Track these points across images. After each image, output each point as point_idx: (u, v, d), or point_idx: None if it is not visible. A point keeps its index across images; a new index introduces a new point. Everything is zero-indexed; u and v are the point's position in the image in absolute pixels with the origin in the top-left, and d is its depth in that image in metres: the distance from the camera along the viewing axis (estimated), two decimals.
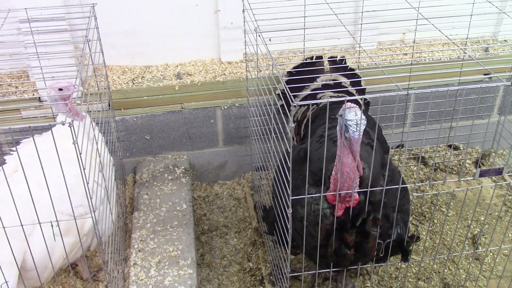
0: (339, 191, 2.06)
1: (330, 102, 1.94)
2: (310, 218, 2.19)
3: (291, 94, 1.99)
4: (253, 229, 3.12)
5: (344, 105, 1.91)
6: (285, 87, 1.96)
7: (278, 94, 2.96)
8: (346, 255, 2.21)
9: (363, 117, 1.90)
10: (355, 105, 1.92)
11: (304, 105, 2.94)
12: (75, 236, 2.29)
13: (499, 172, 2.07)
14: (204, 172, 3.44)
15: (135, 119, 3.13)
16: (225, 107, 3.19)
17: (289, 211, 2.05)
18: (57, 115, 2.94)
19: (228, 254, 3.00)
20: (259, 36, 2.39)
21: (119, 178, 3.12)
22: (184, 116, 3.17)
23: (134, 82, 3.11)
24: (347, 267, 2.36)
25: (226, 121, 3.24)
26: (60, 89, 2.38)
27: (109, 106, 3.04)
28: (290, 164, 1.94)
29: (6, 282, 2.00)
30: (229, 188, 3.48)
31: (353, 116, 1.88)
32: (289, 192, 2.01)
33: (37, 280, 2.25)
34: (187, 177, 3.18)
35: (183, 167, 3.24)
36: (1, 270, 1.99)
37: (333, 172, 2.07)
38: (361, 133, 1.92)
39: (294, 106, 1.83)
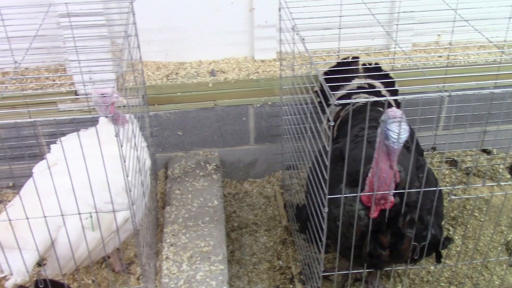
0: (375, 193, 2.04)
1: (366, 103, 1.94)
2: (344, 219, 2.19)
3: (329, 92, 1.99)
4: (283, 228, 3.12)
5: (386, 111, 1.89)
6: (324, 85, 1.96)
7: (316, 91, 2.95)
8: (381, 256, 2.20)
9: (407, 128, 1.88)
10: (399, 114, 1.89)
11: (338, 106, 2.93)
12: (104, 230, 2.32)
13: None
14: (234, 169, 3.46)
15: (168, 115, 3.16)
16: (258, 105, 3.20)
17: (325, 210, 2.04)
18: (93, 109, 3.00)
19: (258, 252, 3.00)
20: (296, 34, 2.39)
21: (152, 173, 3.15)
22: (216, 113, 3.19)
23: (169, 78, 3.14)
24: (381, 268, 2.35)
25: (258, 119, 3.25)
26: (103, 95, 2.36)
27: (144, 101, 3.08)
28: (328, 163, 1.94)
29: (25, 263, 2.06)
30: (259, 186, 3.49)
31: (396, 128, 1.84)
32: (326, 191, 2.01)
33: (64, 268, 2.30)
34: (218, 174, 3.19)
35: (214, 164, 3.26)
36: (21, 254, 2.04)
37: (369, 175, 2.06)
38: (402, 145, 1.90)
39: (335, 105, 1.82)
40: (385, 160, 1.96)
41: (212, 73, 3.16)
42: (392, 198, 2.08)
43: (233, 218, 3.23)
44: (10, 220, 1.92)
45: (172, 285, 2.50)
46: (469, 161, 3.53)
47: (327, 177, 1.99)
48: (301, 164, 3.24)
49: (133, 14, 2.60)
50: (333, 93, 2.89)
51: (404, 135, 1.87)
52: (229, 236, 3.09)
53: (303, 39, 2.34)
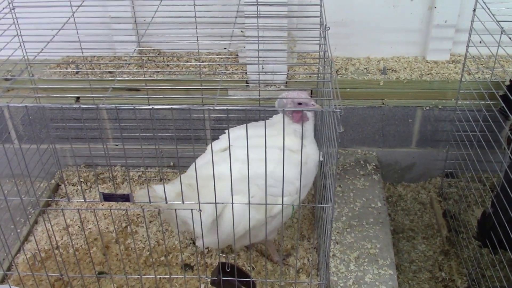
0: None
1: None
2: None
3: None
4: (444, 238, 2.99)
5: None
6: None
7: (501, 96, 2.78)
8: None
9: None
10: None
11: None
12: (261, 215, 2.30)
13: None
14: (389, 171, 3.36)
15: None
16: (427, 108, 3.07)
17: None
18: (263, 100, 3.03)
19: (417, 260, 2.90)
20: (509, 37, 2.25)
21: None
22: (382, 112, 3.11)
23: (338, 73, 3.09)
24: None
25: (424, 122, 3.13)
26: (299, 103, 2.34)
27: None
28: None
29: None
30: (413, 191, 3.37)
31: None
32: None
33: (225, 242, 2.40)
34: (378, 175, 3.11)
35: (373, 164, 3.18)
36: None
37: None
38: None
39: None
40: None
41: (383, 71, 3.07)
42: None
43: None
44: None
45: (341, 284, 2.46)
46: None
47: None
48: (464, 173, 3.10)
49: (322, 7, 2.57)
50: None
51: None
52: None
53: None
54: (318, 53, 2.79)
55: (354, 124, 3.16)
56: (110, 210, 2.84)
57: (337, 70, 3.12)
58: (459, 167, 3.10)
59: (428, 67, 3.12)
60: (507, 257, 2.52)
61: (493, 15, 2.42)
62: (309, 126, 2.48)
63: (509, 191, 2.20)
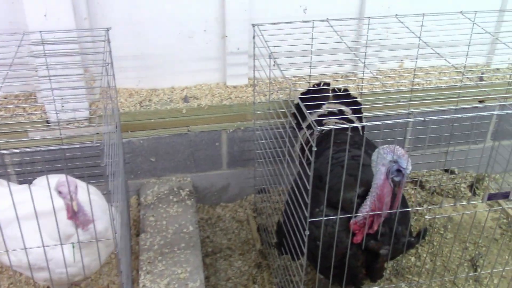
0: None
1: (336, 128, 2.05)
2: (324, 239, 2.25)
3: (299, 118, 2.01)
4: (257, 252, 3.15)
5: (395, 151, 2.02)
6: (305, 110, 2.03)
7: (293, 114, 3.02)
8: (358, 275, 2.28)
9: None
10: (402, 150, 2.03)
11: (309, 130, 3.01)
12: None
13: (506, 195, 2.16)
14: (206, 194, 3.48)
15: (141, 142, 3.16)
16: (231, 131, 3.24)
17: (306, 233, 2.10)
18: (65, 137, 2.98)
19: (233, 276, 3.02)
20: (273, 61, 2.47)
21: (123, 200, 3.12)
22: (189, 139, 3.21)
23: (142, 104, 3.15)
24: (360, 286, 2.42)
25: (231, 144, 3.29)
26: (60, 192, 2.08)
27: (117, 128, 3.07)
28: (310, 187, 2.00)
29: None
30: (231, 210, 3.51)
31: (409, 165, 2.00)
32: (307, 214, 2.06)
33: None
34: (192, 200, 3.20)
35: (187, 190, 3.27)
36: None
37: (367, 208, 2.12)
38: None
39: (320, 131, 1.89)
40: (389, 194, 2.07)
41: (186, 99, 3.19)
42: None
43: (206, 244, 3.24)
44: None
45: None
46: (433, 181, 3.68)
47: (308, 201, 2.05)
48: (272, 188, 3.30)
49: (109, 43, 2.62)
50: (304, 118, 3.02)
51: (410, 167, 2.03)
52: (204, 261, 3.08)
53: (277, 65, 2.43)
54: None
55: (164, 153, 3.23)
56: None
57: (141, 102, 3.18)
58: (268, 183, 3.30)
59: (228, 92, 3.31)
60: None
61: (266, 41, 2.64)
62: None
63: (290, 202, 2.39)
